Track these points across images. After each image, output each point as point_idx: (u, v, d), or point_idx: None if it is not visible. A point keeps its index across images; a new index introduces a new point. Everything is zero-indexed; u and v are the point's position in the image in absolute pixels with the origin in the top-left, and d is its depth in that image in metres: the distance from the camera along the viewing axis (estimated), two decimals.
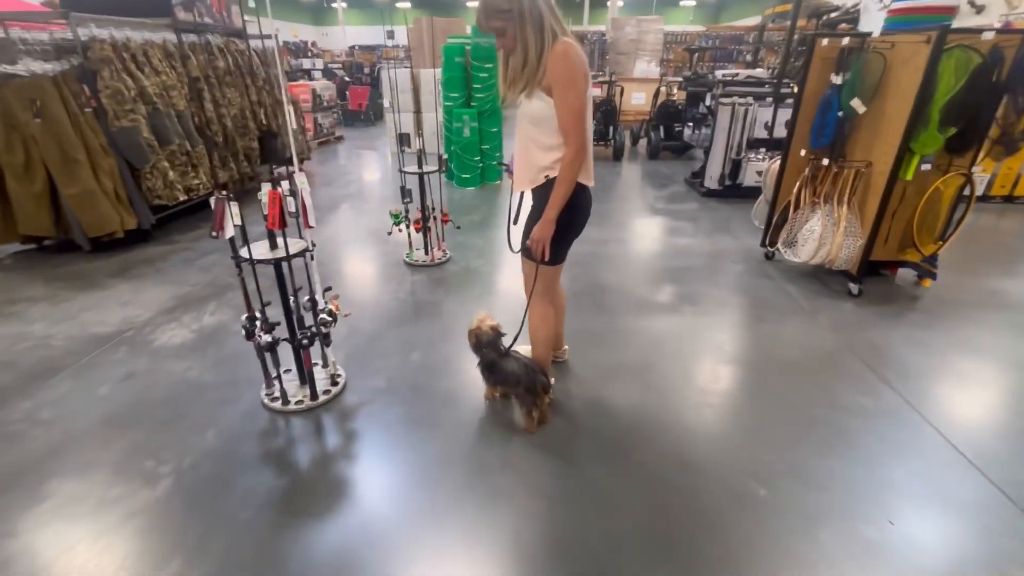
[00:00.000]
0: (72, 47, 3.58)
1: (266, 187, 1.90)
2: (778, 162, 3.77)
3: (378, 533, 1.64)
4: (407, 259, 3.80)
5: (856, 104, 3.04)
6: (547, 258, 1.88)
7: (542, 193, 1.84)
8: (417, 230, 3.67)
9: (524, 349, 2.31)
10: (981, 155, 2.93)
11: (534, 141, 1.81)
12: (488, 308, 3.12)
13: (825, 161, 3.26)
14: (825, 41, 3.24)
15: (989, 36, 2.68)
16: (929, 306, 3.16)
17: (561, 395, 2.29)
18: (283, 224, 1.91)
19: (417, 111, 4.23)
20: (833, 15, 5.01)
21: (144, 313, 3.04)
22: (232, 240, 1.92)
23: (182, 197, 4.27)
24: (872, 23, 4.98)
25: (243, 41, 5.22)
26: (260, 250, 2.03)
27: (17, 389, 2.35)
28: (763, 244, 3.87)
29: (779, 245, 3.60)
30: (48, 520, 1.68)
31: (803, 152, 3.45)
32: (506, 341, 2.09)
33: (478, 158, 5.95)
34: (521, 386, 1.98)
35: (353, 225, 4.75)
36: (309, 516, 1.70)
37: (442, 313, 3.07)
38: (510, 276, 3.63)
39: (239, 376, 2.42)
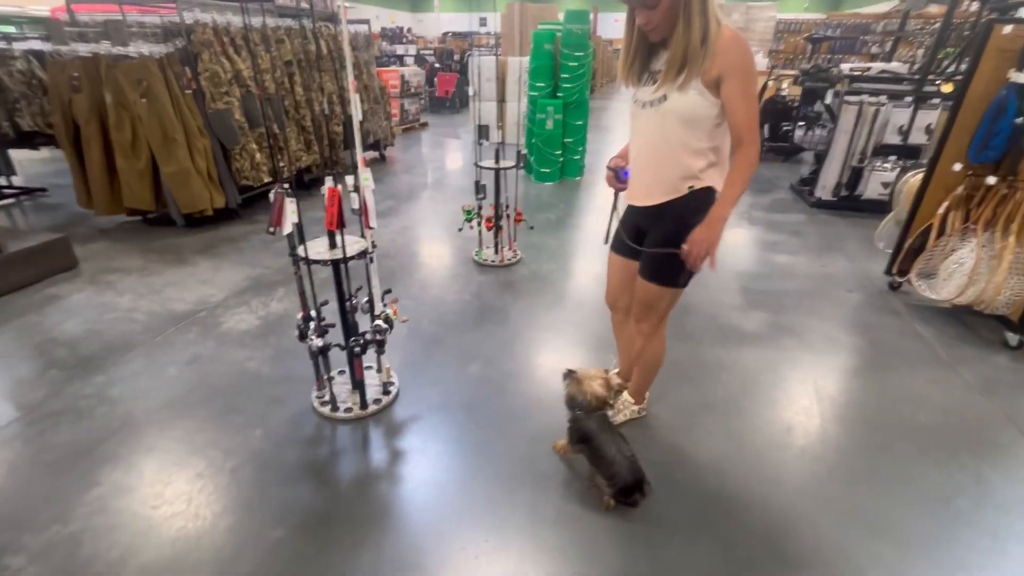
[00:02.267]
0: (178, 30, 3.72)
1: (327, 183, 1.75)
2: (919, 176, 3.14)
3: (410, 573, 1.46)
4: (476, 258, 3.62)
5: None
6: (713, 264, 1.48)
7: (681, 207, 1.53)
8: (489, 228, 3.47)
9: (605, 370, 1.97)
10: None
11: (681, 144, 1.47)
12: (558, 319, 2.86)
13: (991, 179, 2.63)
14: (1007, 28, 2.59)
15: None
16: None
17: (634, 440, 1.98)
18: (341, 225, 1.76)
19: (501, 100, 4.01)
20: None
21: (219, 294, 3.10)
22: (290, 236, 1.81)
23: (267, 179, 4.39)
24: None
25: (336, 26, 5.27)
26: (319, 248, 1.91)
27: (97, 361, 2.44)
28: (889, 272, 3.26)
29: (912, 276, 3.00)
30: (95, 510, 1.67)
31: (958, 166, 2.82)
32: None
33: (559, 152, 5.65)
34: (615, 480, 1.60)
35: (427, 216, 4.66)
36: (341, 545, 1.55)
37: (507, 321, 2.86)
38: (584, 284, 3.34)
39: (294, 372, 2.35)
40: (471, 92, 3.81)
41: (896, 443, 2.00)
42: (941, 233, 2.87)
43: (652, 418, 2.11)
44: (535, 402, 2.21)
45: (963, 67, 4.18)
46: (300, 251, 1.83)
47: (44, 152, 6.16)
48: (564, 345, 2.65)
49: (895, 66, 5.07)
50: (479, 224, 3.47)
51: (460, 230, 3.87)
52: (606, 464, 1.63)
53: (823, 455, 1.95)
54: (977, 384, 2.36)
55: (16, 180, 5.19)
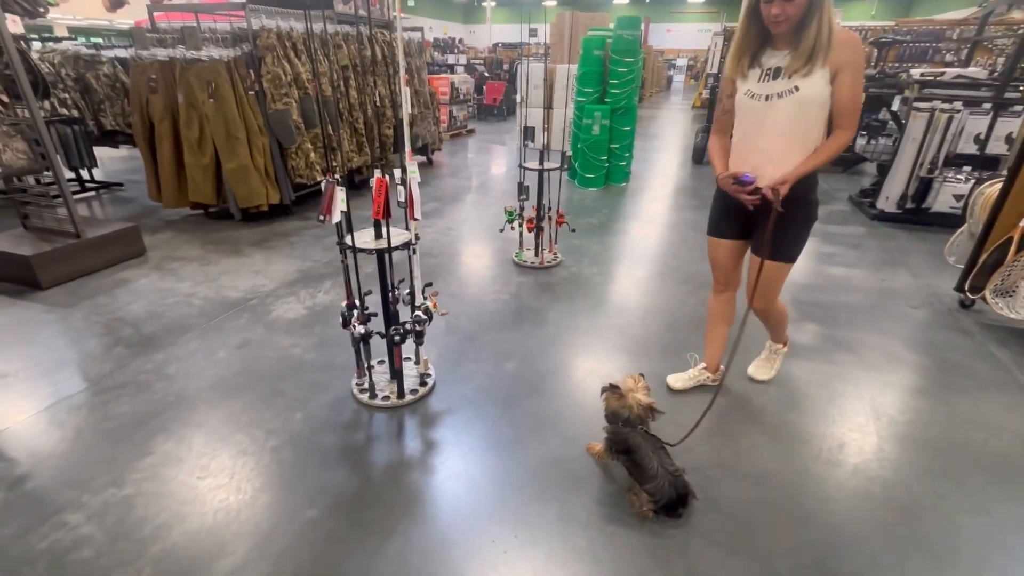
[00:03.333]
0: (245, 35, 3.95)
1: (376, 174, 1.80)
2: (997, 186, 2.91)
3: (437, 564, 1.45)
4: (516, 259, 3.63)
5: None
6: (783, 194, 1.64)
7: (803, 187, 1.70)
8: (530, 230, 3.47)
9: (684, 377, 2.25)
10: None
11: (816, 127, 1.65)
12: (596, 323, 2.82)
13: None
14: None
15: None
16: None
17: (675, 450, 1.91)
18: (387, 214, 1.80)
19: (548, 107, 4.02)
20: None
21: (269, 284, 3.24)
22: (339, 225, 1.86)
23: (320, 178, 4.56)
24: None
25: (391, 32, 5.45)
26: (365, 238, 1.96)
27: (157, 341, 2.59)
28: (960, 289, 3.03)
29: (986, 293, 2.77)
30: (147, 477, 1.76)
31: None
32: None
33: (605, 158, 5.60)
34: (657, 496, 1.55)
35: (470, 217, 4.71)
36: (371, 530, 1.57)
37: (545, 322, 2.83)
38: (624, 289, 3.27)
39: (336, 360, 2.42)
40: (518, 99, 3.86)
41: (965, 470, 1.84)
42: (1022, 248, 2.64)
43: (691, 422, 2.03)
44: (570, 403, 2.17)
45: None
46: (348, 240, 1.88)
47: (123, 150, 6.68)
48: (601, 348, 2.60)
49: (973, 71, 4.74)
50: (520, 225, 3.47)
51: (501, 231, 3.89)
52: (648, 478, 1.57)
53: (879, 475, 1.81)
54: None
55: (97, 175, 5.63)
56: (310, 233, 4.16)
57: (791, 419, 2.09)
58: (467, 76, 10.08)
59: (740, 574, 1.45)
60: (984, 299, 2.80)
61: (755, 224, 1.85)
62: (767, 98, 1.65)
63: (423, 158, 6.92)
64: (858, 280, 3.41)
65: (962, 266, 3.05)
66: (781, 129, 1.66)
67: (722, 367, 2.21)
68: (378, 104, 5.23)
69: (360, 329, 1.96)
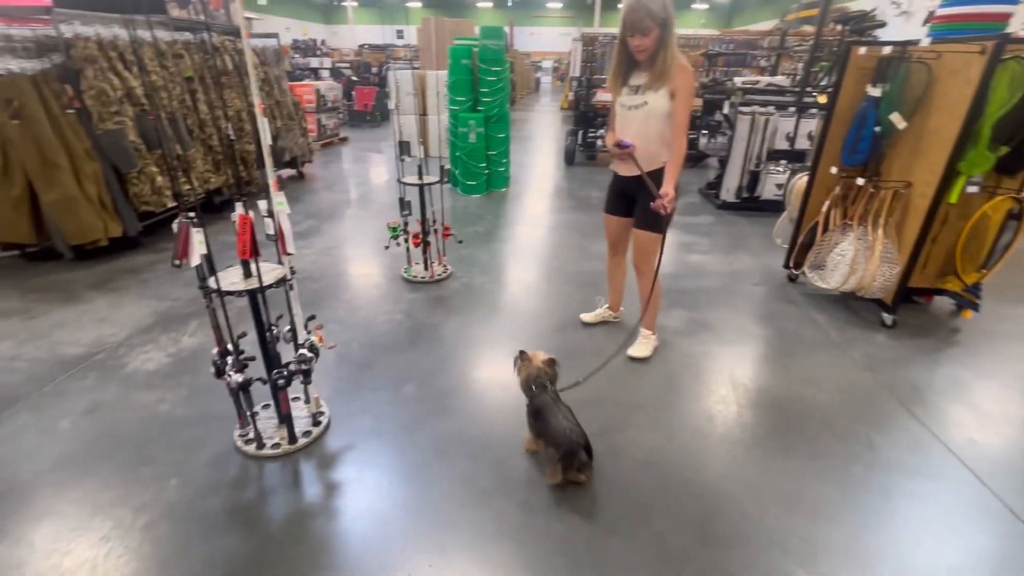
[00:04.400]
0: (55, 45, 3.37)
1: (238, 209, 1.67)
2: (805, 178, 3.51)
3: None
4: (405, 275, 3.57)
5: (896, 119, 2.78)
6: (671, 219, 2.25)
7: (657, 175, 2.26)
8: (416, 245, 3.44)
9: (592, 314, 2.98)
10: None
11: (658, 133, 2.23)
12: (493, 332, 2.89)
13: (860, 180, 3.00)
14: (863, 49, 2.97)
15: None
16: (972, 341, 2.89)
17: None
18: (255, 252, 1.68)
19: (422, 114, 4.00)
20: (863, 24, 4.73)
21: (119, 332, 2.83)
22: (199, 268, 1.69)
23: (171, 204, 4.07)
24: (894, 31, 4.68)
25: (240, 40, 5.01)
26: (232, 277, 1.80)
27: None
28: (787, 266, 3.61)
29: (805, 268, 3.34)
30: None
31: (834, 170, 3.18)
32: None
33: (484, 165, 5.72)
34: (560, 445, 1.76)
35: (351, 234, 4.53)
36: None
37: (441, 338, 2.84)
38: (517, 294, 3.39)
39: (214, 411, 2.19)
40: (391, 106, 3.80)
41: (803, 422, 2.22)
42: (825, 229, 3.23)
43: (588, 421, 2.18)
44: (474, 418, 2.21)
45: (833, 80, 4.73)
46: (212, 282, 1.72)
47: None
48: (499, 357, 2.67)
49: (779, 79, 5.64)
50: (406, 241, 3.42)
51: (387, 248, 3.80)
52: (552, 431, 1.77)
53: (741, 439, 2.11)
54: (863, 362, 2.66)
55: None
56: (164, 267, 3.70)
57: (669, 400, 2.34)
58: (333, 82, 9.60)
59: (639, 556, 1.60)
60: (804, 273, 3.37)
61: (635, 205, 2.45)
62: (630, 108, 2.26)
63: (293, 171, 6.48)
64: (712, 265, 3.90)
65: (787, 246, 3.64)
66: (638, 129, 2.27)
67: (622, 308, 3.00)
68: (232, 119, 4.79)
69: (237, 378, 1.80)
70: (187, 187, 4.09)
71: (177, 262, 1.63)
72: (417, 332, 2.89)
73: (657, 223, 2.29)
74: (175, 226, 1.63)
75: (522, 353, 2.04)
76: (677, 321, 3.05)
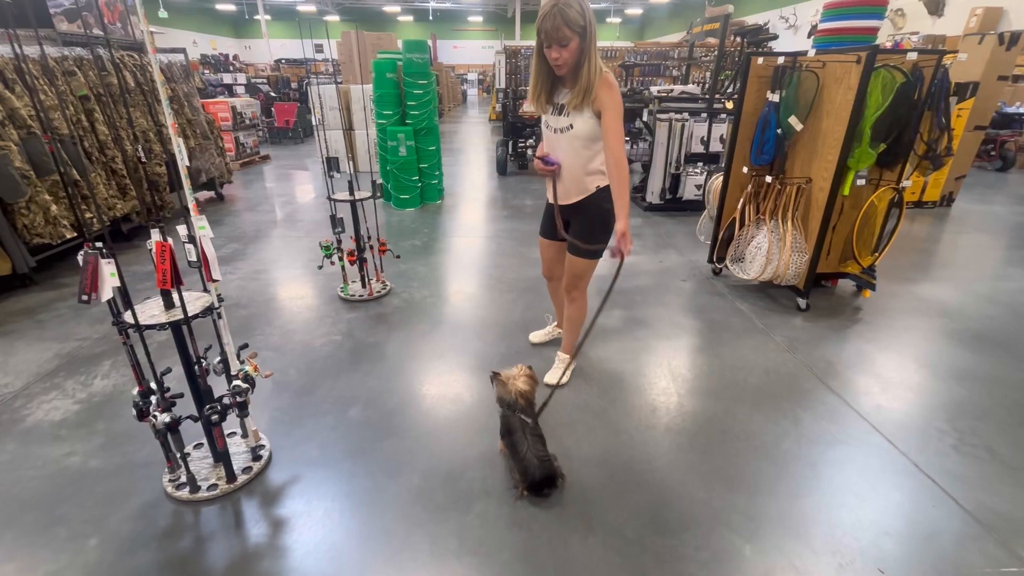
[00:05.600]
0: None
1: (155, 236, 1.55)
2: (720, 178, 3.78)
3: None
4: (342, 294, 3.46)
5: (793, 122, 3.06)
6: (627, 254, 1.97)
7: (594, 200, 2.10)
8: (352, 262, 3.34)
9: (541, 333, 2.90)
10: (909, 170, 3.03)
11: (587, 158, 2.03)
12: (438, 346, 2.86)
13: (768, 178, 3.27)
14: (760, 60, 3.26)
15: (913, 56, 2.77)
16: (872, 317, 3.22)
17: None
18: (177, 283, 1.57)
19: (348, 128, 3.91)
20: (759, 36, 5.20)
21: (15, 381, 2.52)
22: (111, 302, 1.55)
23: (70, 234, 3.69)
24: (785, 43, 5.19)
25: (142, 55, 4.66)
26: (152, 310, 1.67)
27: None
28: (710, 260, 3.86)
29: (727, 261, 3.59)
30: None
31: (745, 169, 3.45)
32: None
33: (416, 177, 5.67)
34: (526, 476, 1.79)
35: (280, 256, 4.32)
36: None
37: (384, 356, 2.77)
38: (459, 305, 3.38)
39: (136, 458, 2.00)
40: (315, 122, 3.69)
41: (737, 405, 2.37)
42: (742, 224, 3.49)
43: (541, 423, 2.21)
44: (424, 435, 2.17)
45: (737, 87, 5.14)
46: (128, 317, 1.58)
47: None
48: (446, 370, 2.65)
49: (691, 88, 6.05)
50: (340, 259, 3.32)
51: (320, 267, 3.67)
52: (519, 460, 1.80)
53: (683, 427, 2.22)
54: (785, 344, 2.89)
55: None
56: (66, 305, 3.34)
57: (614, 397, 2.42)
58: (251, 99, 9.16)
59: (598, 552, 1.64)
60: (727, 267, 3.61)
61: (568, 230, 2.26)
62: (555, 131, 2.06)
63: (211, 194, 6.10)
64: (644, 265, 4.09)
65: (709, 242, 3.90)
66: (565, 153, 2.08)
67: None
68: (138, 139, 4.44)
69: (164, 418, 1.66)
70: (89, 215, 3.75)
71: (85, 297, 1.48)
72: (359, 352, 2.80)
73: (591, 252, 2.17)
74: (80, 258, 1.48)
75: (495, 374, 2.00)
76: (616, 320, 3.17)
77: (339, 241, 3.28)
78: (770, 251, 3.21)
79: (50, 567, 1.58)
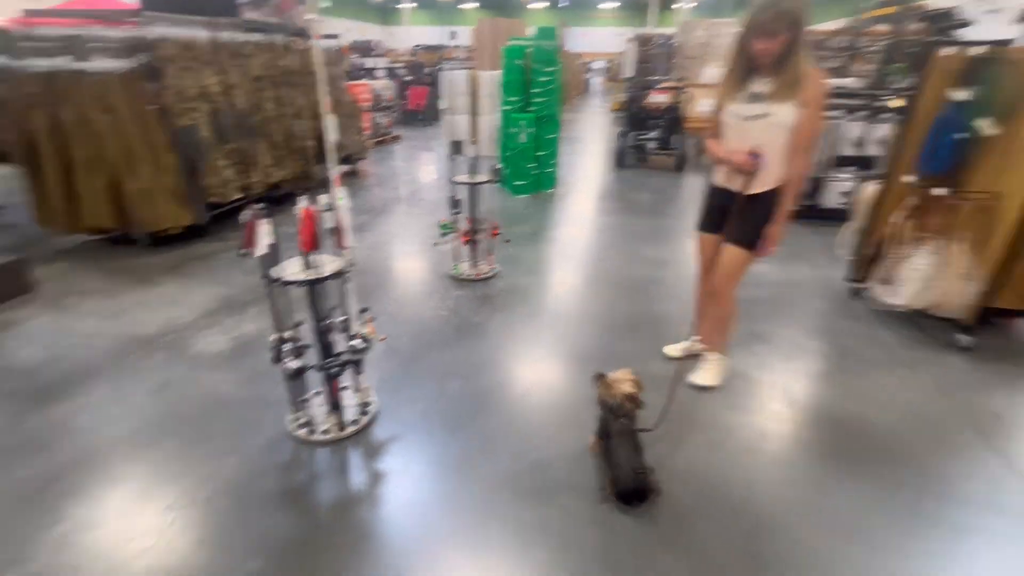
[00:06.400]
0: (142, 45, 3.63)
1: (301, 203, 1.74)
2: (874, 187, 3.30)
3: None
4: (452, 272, 3.62)
5: (987, 124, 2.57)
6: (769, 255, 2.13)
7: (771, 195, 2.05)
8: (465, 242, 3.48)
9: (678, 347, 2.64)
10: None
11: (779, 146, 1.98)
12: (537, 332, 2.88)
13: (939, 191, 2.79)
14: (948, 50, 2.77)
15: None
16: None
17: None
18: (316, 247, 1.75)
19: (474, 114, 4.05)
20: (948, 23, 4.40)
21: (188, 315, 3.01)
22: (263, 258, 1.78)
23: (237, 196, 4.30)
24: (982, 30, 4.32)
25: (306, 40, 5.23)
26: (293, 267, 1.88)
27: (57, 391, 2.33)
28: (850, 279, 3.41)
29: (871, 282, 3.14)
30: (59, 548, 1.59)
31: (909, 178, 2.98)
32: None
33: (533, 165, 5.72)
34: (617, 484, 1.75)
35: (401, 230, 4.64)
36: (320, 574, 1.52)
37: (486, 335, 2.86)
38: (561, 295, 3.37)
39: (270, 395, 2.30)
40: (443, 106, 3.90)
41: (866, 445, 2.08)
42: (897, 241, 3.02)
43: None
44: (517, 418, 2.21)
45: (910, 82, 4.43)
46: (274, 272, 1.80)
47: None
48: (544, 357, 2.67)
49: (849, 82, 5.34)
50: (455, 238, 3.47)
51: (436, 244, 3.87)
52: (613, 465, 1.77)
53: (796, 459, 2.01)
54: (934, 385, 2.48)
55: None
56: (229, 256, 3.91)
57: (717, 411, 2.26)
58: (389, 82, 9.87)
59: (683, 567, 1.56)
60: (870, 288, 3.17)
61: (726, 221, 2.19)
62: (747, 118, 2.00)
63: (348, 168, 6.71)
64: (768, 275, 3.73)
65: (850, 258, 3.44)
66: (758, 142, 1.99)
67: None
68: (297, 116, 5.00)
69: (293, 364, 1.88)
70: (253, 180, 4.32)
71: (244, 251, 1.71)
72: (463, 329, 2.93)
73: (754, 241, 2.10)
74: (243, 217, 1.71)
75: (600, 375, 1.94)
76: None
77: (456, 221, 3.43)
78: (930, 275, 2.75)
79: (200, 474, 1.88)
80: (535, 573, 1.54)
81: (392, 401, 2.29)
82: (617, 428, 1.81)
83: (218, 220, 4.45)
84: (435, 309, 3.16)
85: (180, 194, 3.92)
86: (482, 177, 3.35)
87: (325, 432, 2.06)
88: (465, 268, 3.64)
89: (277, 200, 5.11)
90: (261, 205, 1.71)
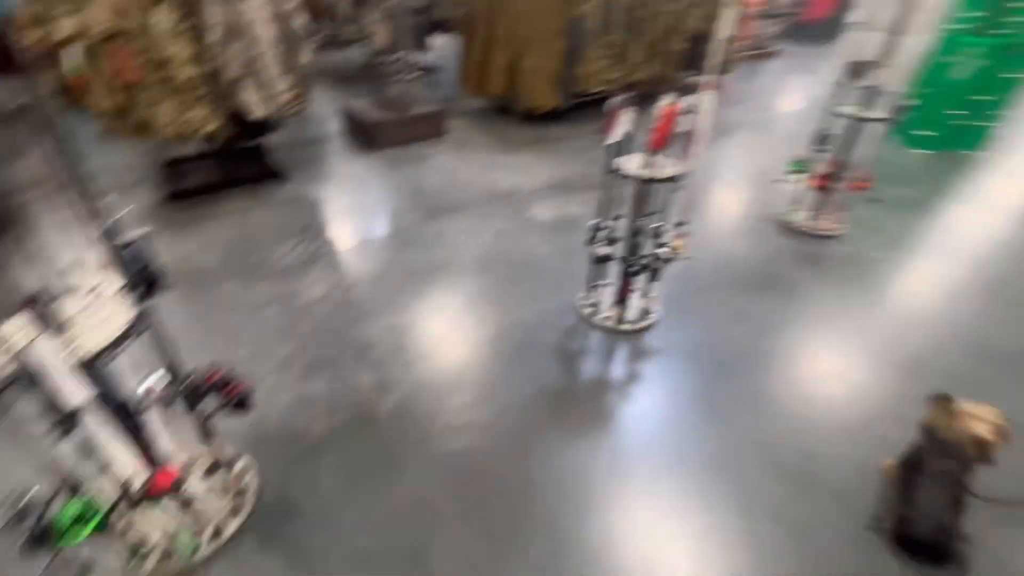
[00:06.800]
0: None
1: (665, 99, 1.73)
2: None
3: (613, 481, 1.59)
4: (784, 217, 3.16)
5: None
6: None
7: None
8: (818, 188, 2.94)
9: None
10: None
11: None
12: (862, 319, 2.37)
13: None
14: None
15: None
16: None
17: None
18: (664, 146, 1.75)
19: (897, 32, 3.13)
20: None
21: (531, 184, 3.57)
22: (611, 146, 1.90)
23: (599, 88, 4.59)
24: None
25: None
26: (633, 163, 1.96)
27: (442, 212, 3.18)
28: None
29: None
30: (419, 314, 2.29)
31: None
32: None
33: (960, 112, 4.19)
34: (903, 524, 1.45)
35: (740, 156, 4.21)
36: (568, 427, 1.78)
37: (794, 297, 2.50)
38: (916, 288, 2.61)
39: (573, 271, 2.59)
40: (855, 18, 3.07)
41: None
42: None
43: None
44: (795, 394, 1.95)
45: None
46: (616, 162, 1.91)
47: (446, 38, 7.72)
48: (857, 351, 2.18)
49: None
50: (804, 180, 2.96)
51: (775, 181, 3.39)
52: (908, 505, 1.44)
53: None
54: None
55: (425, 58, 6.72)
56: (576, 143, 4.33)
57: None
58: None
59: None
60: None
61: None
62: None
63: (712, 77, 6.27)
64: None
65: None
66: None
67: None
68: (680, 17, 4.81)
69: (602, 250, 2.05)
70: (616, 76, 4.50)
71: (602, 134, 1.86)
72: (772, 280, 2.61)
73: None
74: (610, 104, 1.83)
75: (945, 399, 1.42)
76: None
77: (815, 161, 2.90)
78: None
79: (507, 306, 2.36)
80: (758, 548, 1.44)
81: (672, 319, 2.30)
82: (938, 467, 1.40)
83: (575, 108, 4.90)
84: (750, 249, 2.88)
85: (556, 78, 4.42)
86: (876, 113, 2.65)
87: (605, 319, 2.25)
88: (801, 216, 3.12)
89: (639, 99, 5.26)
90: (630, 95, 1.78)
